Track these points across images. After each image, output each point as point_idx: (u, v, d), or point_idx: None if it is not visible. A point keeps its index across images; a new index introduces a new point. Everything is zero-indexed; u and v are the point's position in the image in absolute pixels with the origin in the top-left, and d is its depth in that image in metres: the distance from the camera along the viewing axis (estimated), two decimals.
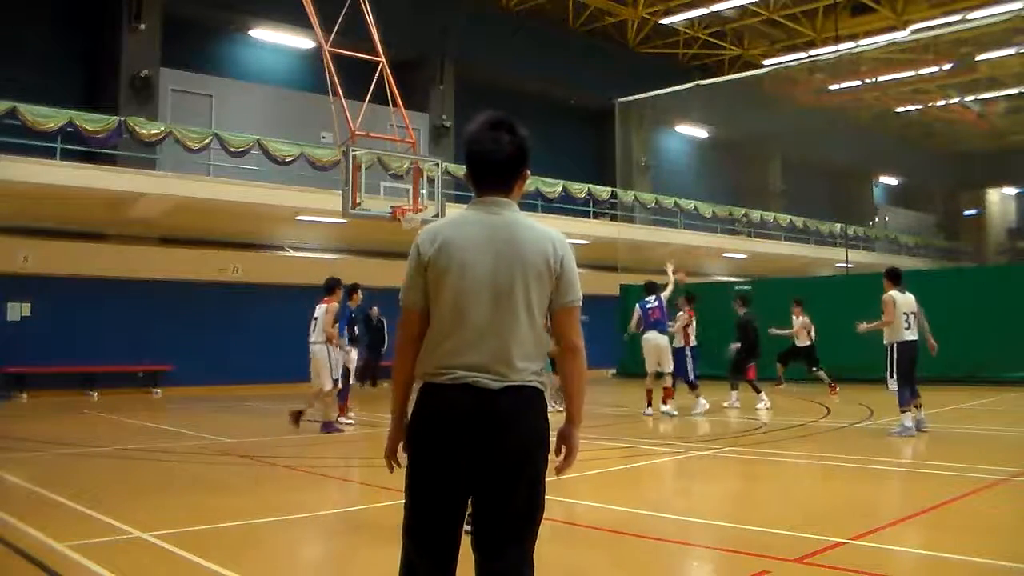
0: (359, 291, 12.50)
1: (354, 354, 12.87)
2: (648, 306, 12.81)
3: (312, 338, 11.11)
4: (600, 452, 9.10)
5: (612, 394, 17.35)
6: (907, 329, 9.87)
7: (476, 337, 2.64)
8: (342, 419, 11.86)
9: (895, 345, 9.89)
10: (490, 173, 2.84)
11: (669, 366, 12.63)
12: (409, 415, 2.76)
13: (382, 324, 20.35)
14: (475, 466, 2.61)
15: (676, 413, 12.51)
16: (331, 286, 11.31)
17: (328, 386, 11.06)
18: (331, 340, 11.01)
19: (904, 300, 10.04)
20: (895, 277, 10.38)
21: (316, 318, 11.17)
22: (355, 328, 12.66)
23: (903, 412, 9.79)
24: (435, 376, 2.66)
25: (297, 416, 11.10)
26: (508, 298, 2.67)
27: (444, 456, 2.63)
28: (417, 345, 2.74)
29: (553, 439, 2.78)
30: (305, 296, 20.12)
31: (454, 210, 18.25)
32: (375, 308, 20.01)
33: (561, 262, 2.72)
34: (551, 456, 2.77)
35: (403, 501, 2.73)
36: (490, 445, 2.61)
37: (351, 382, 12.80)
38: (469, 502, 2.70)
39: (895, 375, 9.77)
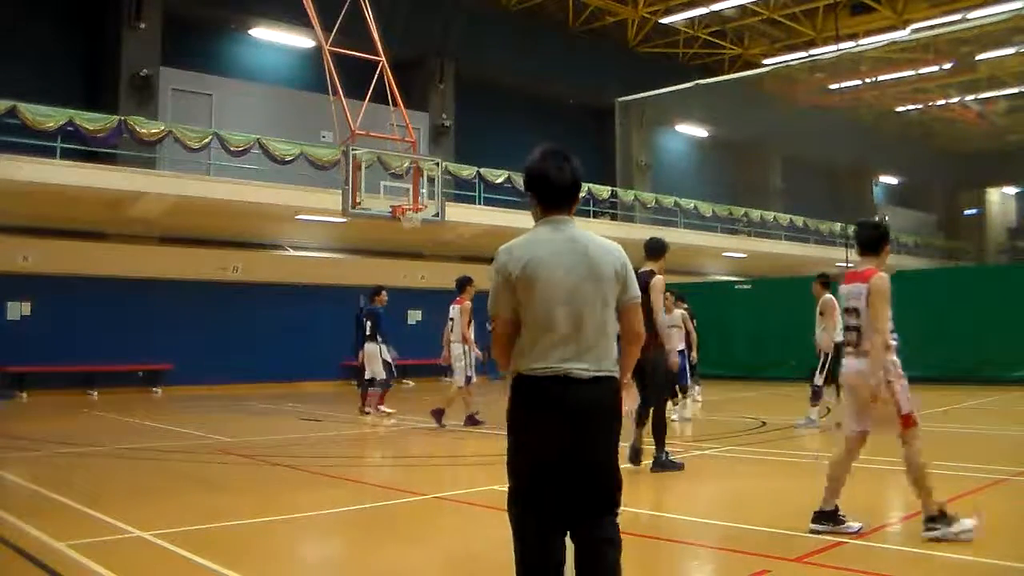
0: (383, 292, 13.08)
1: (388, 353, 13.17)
2: None
3: (452, 337, 11.40)
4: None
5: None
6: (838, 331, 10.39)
7: (565, 337, 3.13)
8: (381, 408, 12.73)
9: (833, 346, 10.52)
10: (558, 196, 3.30)
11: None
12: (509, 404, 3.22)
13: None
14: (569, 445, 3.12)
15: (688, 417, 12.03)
16: (462, 284, 11.42)
17: (461, 382, 11.31)
18: (466, 341, 11.25)
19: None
20: (827, 282, 11.13)
21: (452, 319, 11.42)
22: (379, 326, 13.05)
23: (814, 407, 10.62)
24: (533, 371, 3.13)
25: (439, 414, 11.32)
26: (588, 303, 3.17)
27: (544, 437, 3.13)
28: (511, 346, 3.24)
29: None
30: (305, 296, 20.33)
31: (454, 209, 18.41)
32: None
33: (624, 268, 3.29)
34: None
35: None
36: (581, 427, 3.11)
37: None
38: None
39: (823, 372, 10.57)
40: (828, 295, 10.84)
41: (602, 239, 3.31)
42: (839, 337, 9.95)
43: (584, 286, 3.17)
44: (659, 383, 7.70)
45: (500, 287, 3.20)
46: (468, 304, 11.30)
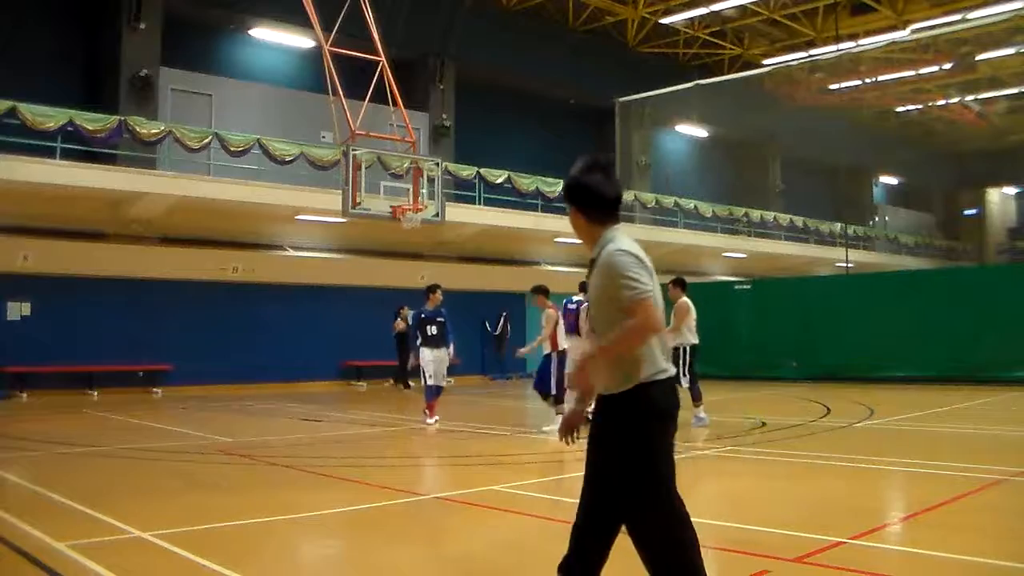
0: (438, 291, 12.21)
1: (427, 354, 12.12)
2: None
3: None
4: None
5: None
6: (695, 333, 11.26)
7: (664, 343, 3.33)
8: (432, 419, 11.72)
9: (688, 348, 11.21)
10: (617, 206, 3.43)
11: None
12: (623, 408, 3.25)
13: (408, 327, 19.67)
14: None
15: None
16: (541, 291, 11.71)
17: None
18: (550, 343, 11.46)
19: (693, 306, 11.45)
20: (684, 285, 11.67)
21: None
22: (426, 329, 12.01)
23: (698, 406, 11.02)
24: (658, 375, 3.24)
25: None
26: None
27: (671, 438, 3.31)
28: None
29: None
30: (305, 296, 20.32)
31: (454, 210, 18.41)
32: (404, 308, 19.41)
33: None
34: None
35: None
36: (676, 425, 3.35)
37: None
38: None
39: (688, 374, 11.10)
40: (684, 298, 11.43)
41: None
42: (694, 339, 11.28)
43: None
44: None
45: (646, 274, 3.23)
46: (553, 312, 11.44)
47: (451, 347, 12.11)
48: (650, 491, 3.22)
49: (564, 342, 11.19)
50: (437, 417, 11.76)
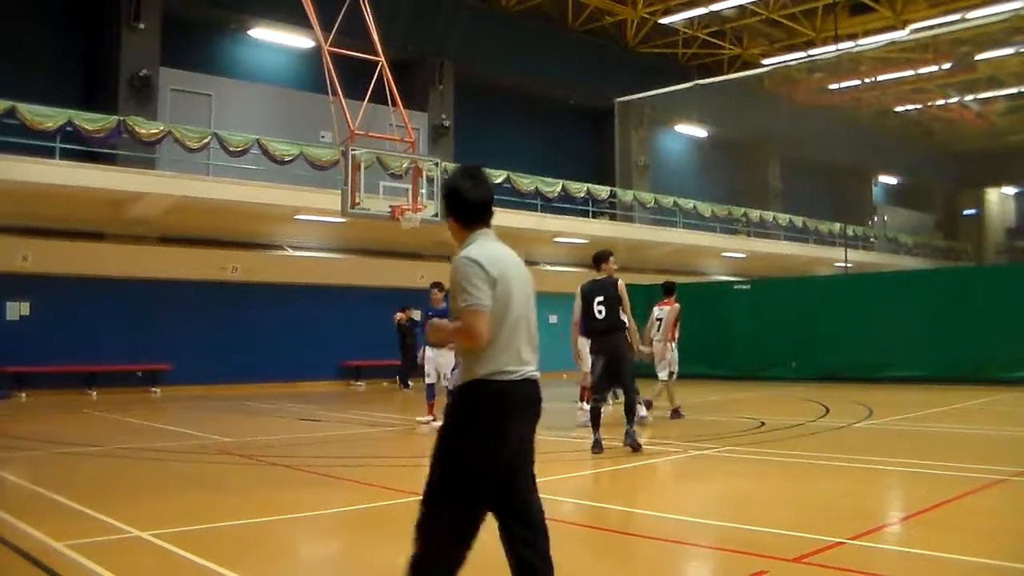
0: (435, 290, 12.14)
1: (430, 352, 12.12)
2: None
3: (657, 336, 12.09)
4: (600, 452, 9.10)
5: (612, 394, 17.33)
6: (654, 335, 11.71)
7: (526, 340, 3.45)
8: (427, 417, 11.74)
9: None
10: (486, 211, 3.57)
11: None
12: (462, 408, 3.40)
13: (412, 326, 19.52)
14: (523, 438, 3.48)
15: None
16: (670, 288, 12.40)
17: (665, 377, 12.02)
18: (672, 339, 12.04)
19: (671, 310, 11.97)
20: (671, 290, 12.20)
21: (660, 319, 12.17)
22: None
23: (643, 404, 11.20)
24: (508, 374, 3.35)
25: (676, 412, 11.92)
26: (533, 312, 3.54)
27: (514, 434, 3.39)
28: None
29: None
30: (305, 296, 20.32)
31: None
32: (409, 309, 19.49)
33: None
34: None
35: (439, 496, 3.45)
36: (535, 420, 3.51)
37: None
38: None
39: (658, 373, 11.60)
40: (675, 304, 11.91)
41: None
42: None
43: (532, 295, 3.56)
44: (631, 370, 8.93)
45: (483, 284, 3.31)
46: (678, 306, 12.15)
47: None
48: (441, 486, 3.37)
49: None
50: (432, 417, 11.67)
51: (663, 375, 12.01)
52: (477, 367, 3.34)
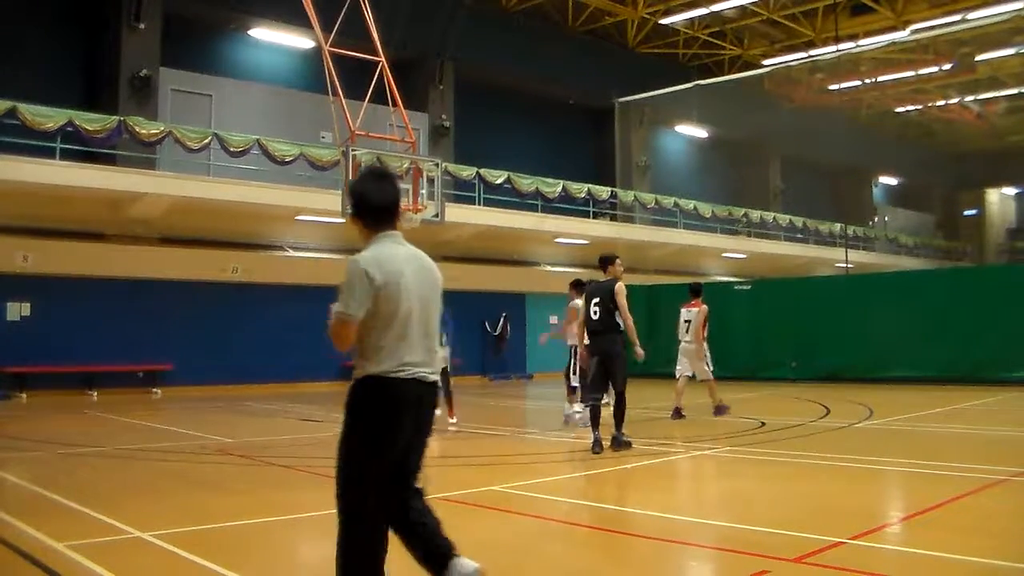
0: None
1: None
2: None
3: (687, 338, 12.36)
4: (600, 452, 9.10)
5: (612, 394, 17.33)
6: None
7: (417, 341, 3.53)
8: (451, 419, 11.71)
9: (575, 348, 11.37)
10: (390, 214, 3.66)
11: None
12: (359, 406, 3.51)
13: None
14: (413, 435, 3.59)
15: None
16: (697, 290, 12.76)
17: (710, 376, 12.47)
18: (701, 340, 12.30)
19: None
20: (581, 287, 11.57)
21: (688, 320, 12.39)
22: None
23: (581, 401, 11.21)
24: (396, 372, 3.46)
25: (720, 409, 12.28)
26: (433, 313, 3.63)
27: (400, 431, 3.50)
28: (355, 343, 3.50)
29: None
30: (305, 296, 20.29)
31: (453, 210, 18.42)
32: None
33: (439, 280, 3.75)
34: None
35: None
36: (424, 418, 3.60)
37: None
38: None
39: (576, 373, 11.46)
40: (578, 301, 11.39)
41: (425, 254, 3.74)
42: (572, 340, 11.55)
43: (432, 297, 3.64)
44: (622, 371, 9.03)
45: (361, 292, 3.41)
46: (706, 308, 12.45)
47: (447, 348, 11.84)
48: (344, 477, 3.52)
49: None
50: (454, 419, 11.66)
51: (706, 374, 12.43)
52: (367, 365, 3.47)
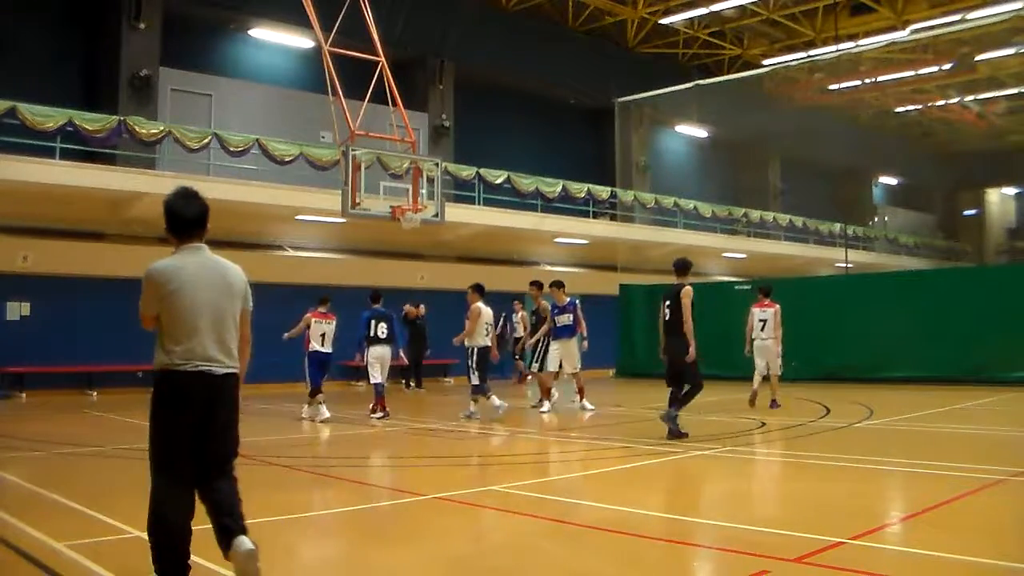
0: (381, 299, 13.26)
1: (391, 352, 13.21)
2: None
3: (763, 336, 13.31)
4: (600, 452, 9.11)
5: (612, 394, 17.34)
6: (486, 336, 12.43)
7: (206, 339, 4.00)
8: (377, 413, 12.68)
9: (476, 349, 12.31)
10: (195, 227, 4.22)
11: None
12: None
13: (424, 323, 19.68)
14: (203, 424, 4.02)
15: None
16: (768, 290, 13.67)
17: (778, 371, 13.48)
18: (778, 338, 13.30)
19: (487, 312, 12.53)
20: (481, 291, 12.63)
21: (764, 320, 13.31)
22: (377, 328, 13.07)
23: (474, 400, 12.32)
24: (181, 365, 3.95)
25: (774, 402, 13.07)
26: (225, 312, 4.10)
27: (188, 417, 3.98)
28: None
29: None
30: (305, 296, 20.23)
31: (453, 210, 18.41)
32: (421, 306, 19.67)
33: (246, 285, 4.29)
34: None
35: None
36: (213, 408, 4.02)
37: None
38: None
39: (476, 371, 12.29)
40: (479, 304, 12.43)
41: (229, 262, 4.26)
42: (484, 342, 12.36)
43: (222, 300, 4.10)
44: (690, 370, 9.71)
45: (150, 295, 4.02)
46: (778, 306, 13.35)
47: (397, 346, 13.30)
48: (149, 454, 4.04)
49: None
50: (381, 414, 12.53)
51: (777, 369, 13.38)
52: (162, 358, 3.99)
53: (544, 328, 13.70)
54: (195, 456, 3.97)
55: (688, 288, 9.74)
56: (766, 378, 13.46)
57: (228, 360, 4.06)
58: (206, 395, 3.98)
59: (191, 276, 4.05)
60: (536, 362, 13.90)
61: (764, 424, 11.34)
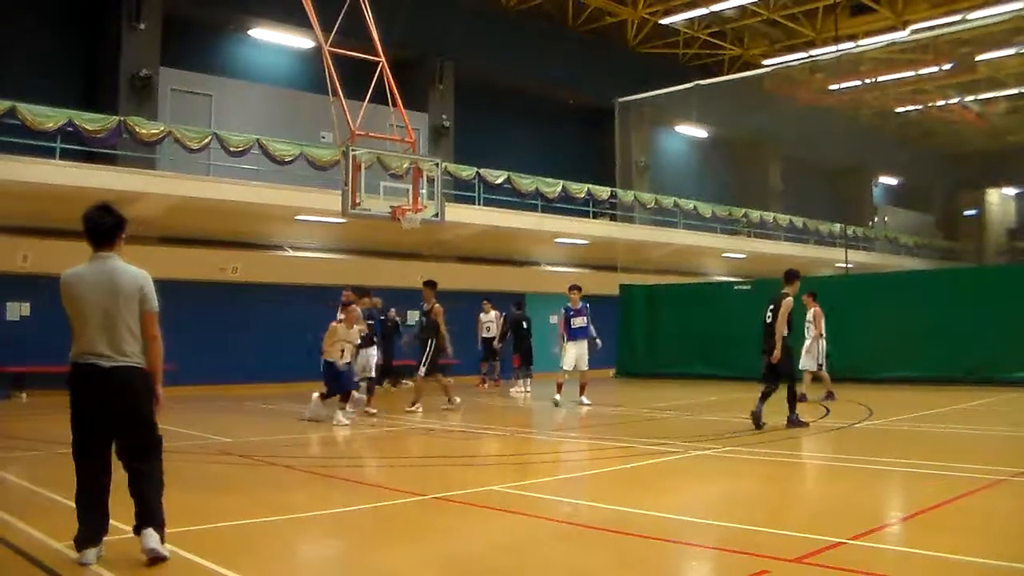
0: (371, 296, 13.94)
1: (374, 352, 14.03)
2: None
3: (808, 333, 14.24)
4: (600, 452, 9.12)
5: (612, 394, 17.35)
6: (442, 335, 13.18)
7: (97, 336, 4.66)
8: (369, 409, 13.22)
9: (432, 345, 13.14)
10: (106, 238, 4.87)
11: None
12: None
13: (396, 324, 19.87)
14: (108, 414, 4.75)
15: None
16: (813, 293, 14.60)
17: (814, 368, 14.34)
18: (817, 336, 14.34)
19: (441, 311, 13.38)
20: (433, 287, 13.57)
21: (811, 321, 14.30)
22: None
23: (416, 403, 13.15)
24: (79, 359, 4.67)
25: (804, 397, 13.41)
26: (114, 313, 4.71)
27: (87, 404, 4.72)
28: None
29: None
30: (305, 296, 20.28)
31: (453, 210, 18.42)
32: (392, 309, 19.74)
33: (143, 288, 4.86)
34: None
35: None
36: (114, 400, 4.73)
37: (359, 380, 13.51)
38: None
39: (427, 367, 13.10)
40: (437, 305, 13.35)
41: (134, 268, 4.85)
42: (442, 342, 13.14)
43: (109, 301, 4.68)
44: (784, 370, 10.94)
45: (62, 301, 4.74)
46: (818, 307, 14.35)
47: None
48: (72, 436, 4.71)
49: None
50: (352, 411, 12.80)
51: (812, 365, 14.28)
52: (70, 353, 4.69)
53: (441, 333, 13.49)
54: (117, 443, 4.76)
55: (789, 300, 10.76)
56: (815, 377, 14.43)
57: (117, 355, 4.68)
58: (95, 385, 4.63)
59: (87, 283, 4.72)
60: (424, 366, 13.44)
61: (764, 424, 11.33)
